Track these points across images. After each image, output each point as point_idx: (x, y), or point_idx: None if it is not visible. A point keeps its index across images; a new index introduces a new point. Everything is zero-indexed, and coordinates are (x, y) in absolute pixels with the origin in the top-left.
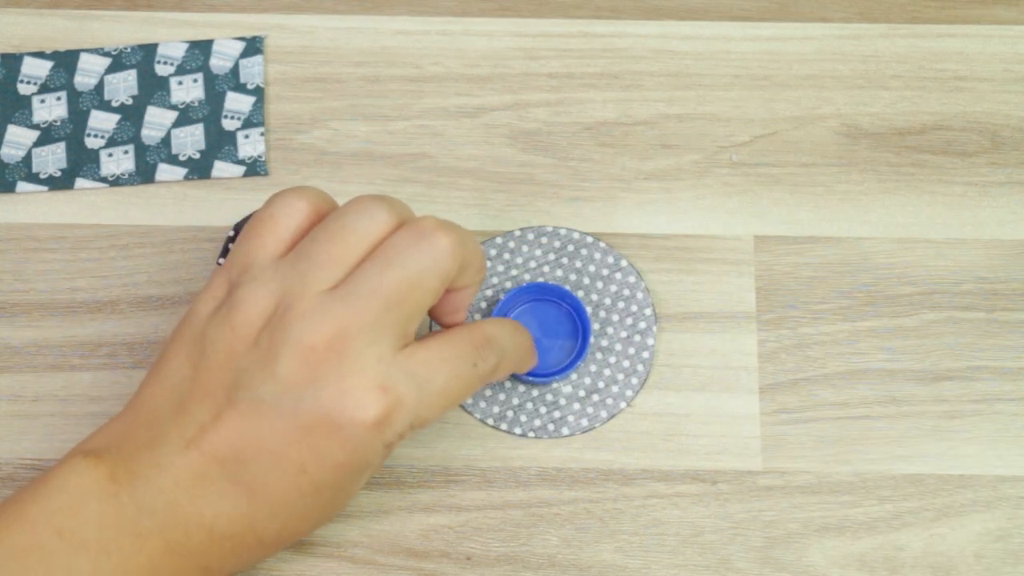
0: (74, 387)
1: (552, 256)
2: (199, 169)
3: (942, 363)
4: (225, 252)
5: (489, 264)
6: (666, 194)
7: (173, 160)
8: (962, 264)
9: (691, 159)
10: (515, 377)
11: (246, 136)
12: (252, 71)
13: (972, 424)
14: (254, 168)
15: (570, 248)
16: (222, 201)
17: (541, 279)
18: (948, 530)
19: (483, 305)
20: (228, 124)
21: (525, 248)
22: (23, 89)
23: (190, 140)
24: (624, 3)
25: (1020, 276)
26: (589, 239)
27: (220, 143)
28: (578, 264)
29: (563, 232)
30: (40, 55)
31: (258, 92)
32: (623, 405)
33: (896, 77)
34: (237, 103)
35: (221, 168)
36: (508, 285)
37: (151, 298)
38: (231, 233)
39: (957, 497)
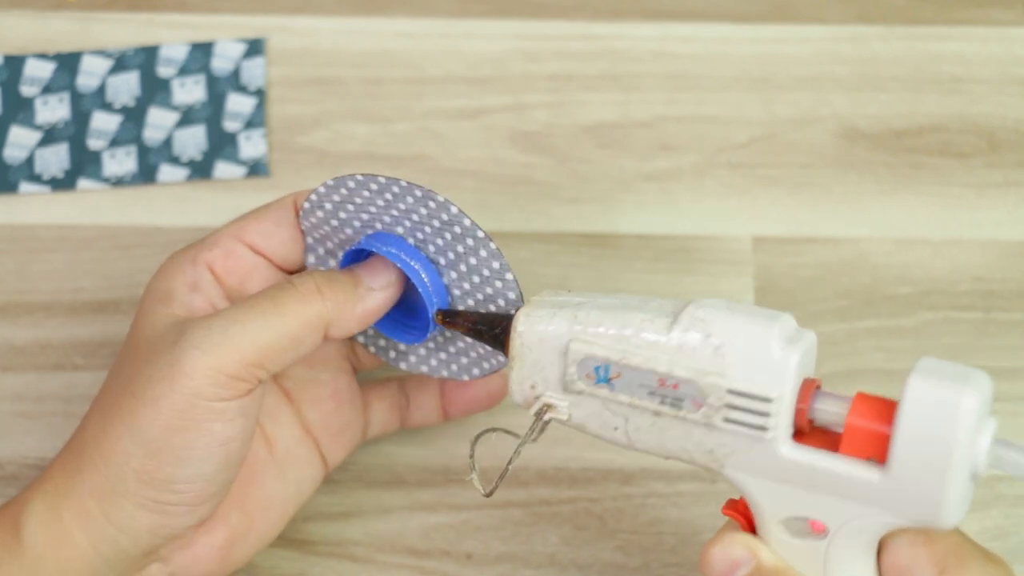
0: (77, 387)
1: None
2: (201, 170)
3: None
4: None
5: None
6: (665, 195)
7: (175, 161)
8: (959, 264)
9: (690, 160)
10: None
11: (247, 137)
12: (253, 73)
13: None
14: (255, 169)
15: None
16: (224, 202)
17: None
18: None
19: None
20: (229, 125)
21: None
22: (26, 91)
23: (192, 141)
24: (623, 5)
25: (1017, 276)
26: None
27: (221, 144)
28: (415, 218)
29: (382, 180)
30: (43, 57)
31: (259, 94)
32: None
33: (894, 79)
34: (238, 104)
35: (222, 169)
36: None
37: None
38: None
39: None
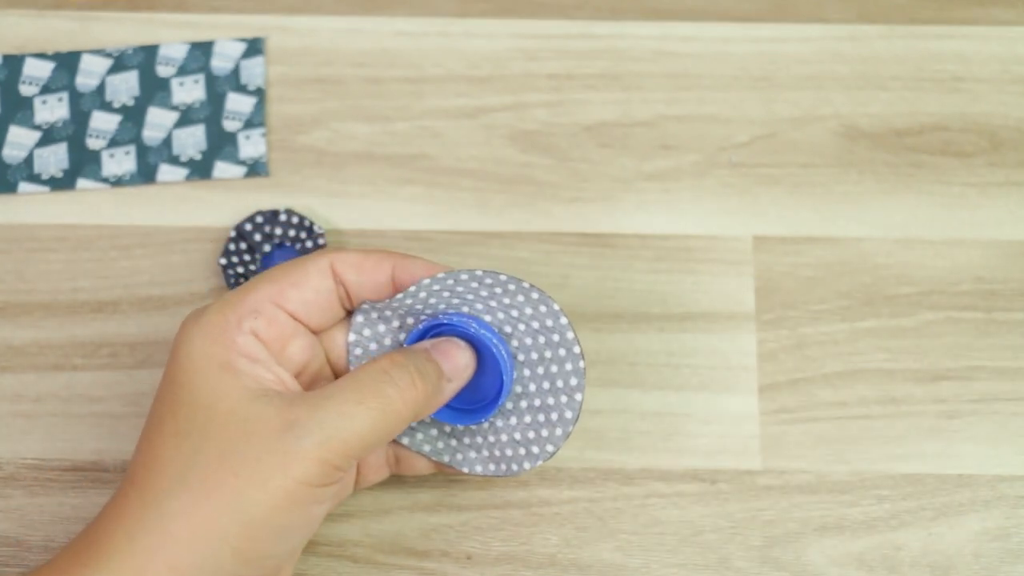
0: (76, 387)
1: (484, 293)
2: (200, 170)
3: (940, 363)
4: (226, 253)
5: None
6: (666, 194)
7: (174, 161)
8: (960, 264)
9: (691, 160)
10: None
11: (247, 137)
12: (253, 72)
13: (970, 423)
14: (255, 169)
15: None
16: (223, 202)
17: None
18: (946, 529)
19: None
20: (229, 125)
21: (460, 289)
22: (25, 90)
23: (191, 141)
24: (624, 4)
25: (1018, 276)
26: (526, 285)
27: (221, 144)
28: (514, 313)
29: (503, 278)
30: (42, 56)
31: (259, 93)
32: (536, 462)
33: (895, 78)
34: (238, 104)
35: (222, 169)
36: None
37: (152, 298)
38: (232, 234)
39: (955, 496)
